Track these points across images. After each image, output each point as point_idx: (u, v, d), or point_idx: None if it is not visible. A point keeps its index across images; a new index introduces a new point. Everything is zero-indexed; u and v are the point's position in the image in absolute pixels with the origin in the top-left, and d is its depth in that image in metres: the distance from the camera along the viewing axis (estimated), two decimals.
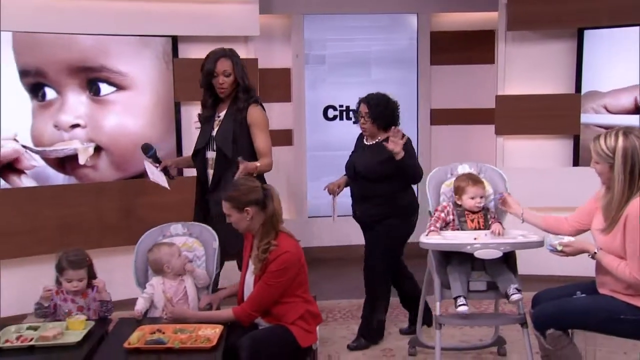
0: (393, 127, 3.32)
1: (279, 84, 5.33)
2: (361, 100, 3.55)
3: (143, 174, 4.28)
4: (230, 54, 3.29)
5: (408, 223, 3.55)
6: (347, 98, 5.51)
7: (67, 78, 4.13)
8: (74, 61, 4.14)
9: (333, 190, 3.62)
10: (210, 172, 3.34)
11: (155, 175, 3.40)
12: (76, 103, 4.18)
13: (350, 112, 5.51)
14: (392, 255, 3.57)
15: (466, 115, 5.53)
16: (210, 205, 3.33)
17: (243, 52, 4.65)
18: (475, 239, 2.85)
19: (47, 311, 2.77)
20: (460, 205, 3.12)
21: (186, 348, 2.41)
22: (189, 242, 3.05)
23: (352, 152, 3.67)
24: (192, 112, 4.22)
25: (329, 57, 5.51)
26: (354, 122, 3.69)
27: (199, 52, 3.89)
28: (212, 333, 2.51)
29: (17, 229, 4.00)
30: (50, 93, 4.12)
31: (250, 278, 2.74)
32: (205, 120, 3.38)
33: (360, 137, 3.64)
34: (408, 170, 3.38)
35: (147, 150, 3.39)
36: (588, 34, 4.55)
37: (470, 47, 5.49)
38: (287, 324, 2.66)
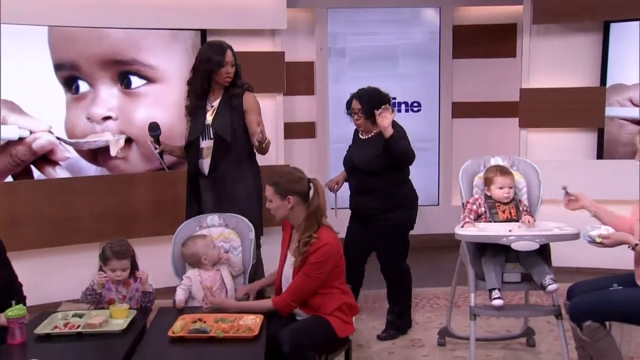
0: (383, 106, 3.28)
1: (302, 77, 5.30)
2: (353, 97, 3.50)
3: (171, 167, 4.35)
4: (230, 47, 3.36)
5: (409, 216, 3.53)
6: None
7: (100, 71, 4.13)
8: (106, 55, 4.13)
9: (332, 187, 3.61)
10: (205, 160, 3.37)
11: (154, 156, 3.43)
12: (108, 95, 4.18)
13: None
14: (402, 246, 3.55)
15: (487, 108, 5.48)
16: (204, 195, 3.40)
17: (269, 46, 4.64)
18: (510, 230, 2.82)
19: (96, 298, 2.78)
20: (491, 197, 3.09)
21: (229, 337, 2.40)
22: (225, 232, 3.04)
23: (349, 146, 3.63)
24: None
25: (352, 50, 5.47)
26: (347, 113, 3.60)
27: None
28: (253, 322, 2.50)
29: (52, 219, 4.02)
30: (83, 86, 4.12)
31: (288, 269, 2.73)
32: (195, 110, 3.38)
33: (357, 131, 3.61)
34: (397, 148, 3.30)
35: (154, 129, 3.37)
36: (614, 27, 4.49)
37: (492, 41, 5.44)
38: (325, 315, 2.64)
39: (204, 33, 4.38)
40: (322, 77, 5.37)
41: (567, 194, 2.79)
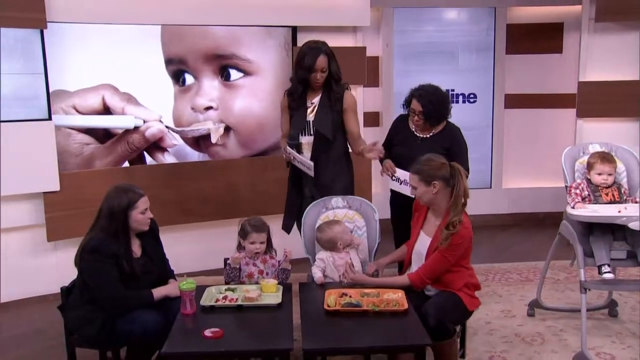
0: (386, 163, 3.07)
1: (369, 71, 5.17)
2: (413, 96, 3.14)
3: (264, 152, 4.26)
4: (326, 50, 3.12)
5: None
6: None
7: (203, 65, 4.02)
8: (209, 50, 4.02)
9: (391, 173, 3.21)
10: (304, 155, 3.18)
11: (299, 160, 3.17)
12: (210, 87, 4.08)
13: None
14: None
15: (536, 99, 5.37)
16: (305, 189, 3.23)
17: (351, 41, 4.54)
18: (619, 211, 2.74)
19: (237, 274, 2.71)
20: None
21: (383, 310, 2.33)
22: (349, 214, 2.97)
23: (395, 138, 3.29)
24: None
25: (414, 46, 5.34)
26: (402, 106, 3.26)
27: None
28: (397, 297, 2.43)
29: (163, 200, 3.93)
30: (189, 79, 4.01)
31: (420, 247, 2.65)
32: (297, 107, 3.20)
33: (404, 124, 3.26)
34: None
35: (294, 139, 3.14)
36: None
37: (541, 38, 5.31)
38: (455, 290, 2.57)
39: (294, 30, 4.27)
40: (388, 71, 5.25)
41: None
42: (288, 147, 3.13)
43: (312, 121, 3.17)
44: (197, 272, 3.96)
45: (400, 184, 3.17)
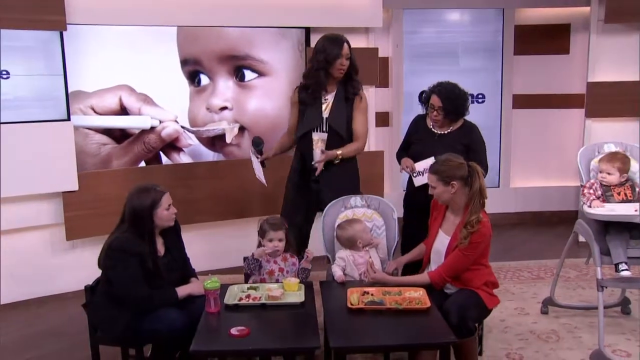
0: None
1: (379, 72, 5.16)
2: (432, 92, 3.11)
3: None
4: (347, 40, 3.13)
5: None
6: None
7: (218, 66, 4.02)
8: (224, 51, 4.01)
9: (413, 169, 3.17)
10: (317, 152, 3.15)
11: (258, 171, 3.24)
12: (224, 88, 4.07)
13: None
14: None
15: (544, 99, 5.37)
16: (314, 186, 3.20)
17: (364, 42, 4.52)
18: (635, 210, 2.73)
19: (257, 266, 2.69)
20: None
21: (407, 309, 2.33)
22: (368, 213, 2.96)
23: (413, 136, 3.25)
24: None
25: (424, 47, 5.33)
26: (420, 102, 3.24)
27: None
28: (419, 295, 2.43)
29: (179, 200, 3.88)
30: (204, 79, 4.01)
31: (439, 245, 2.64)
32: (310, 102, 3.16)
33: (422, 122, 3.22)
34: None
35: (258, 144, 3.23)
36: None
37: (548, 39, 5.30)
38: (474, 288, 2.57)
39: (307, 31, 4.26)
40: (398, 72, 5.24)
41: None
42: (251, 151, 3.20)
43: (327, 117, 3.14)
44: (213, 271, 3.95)
45: (423, 175, 3.10)
